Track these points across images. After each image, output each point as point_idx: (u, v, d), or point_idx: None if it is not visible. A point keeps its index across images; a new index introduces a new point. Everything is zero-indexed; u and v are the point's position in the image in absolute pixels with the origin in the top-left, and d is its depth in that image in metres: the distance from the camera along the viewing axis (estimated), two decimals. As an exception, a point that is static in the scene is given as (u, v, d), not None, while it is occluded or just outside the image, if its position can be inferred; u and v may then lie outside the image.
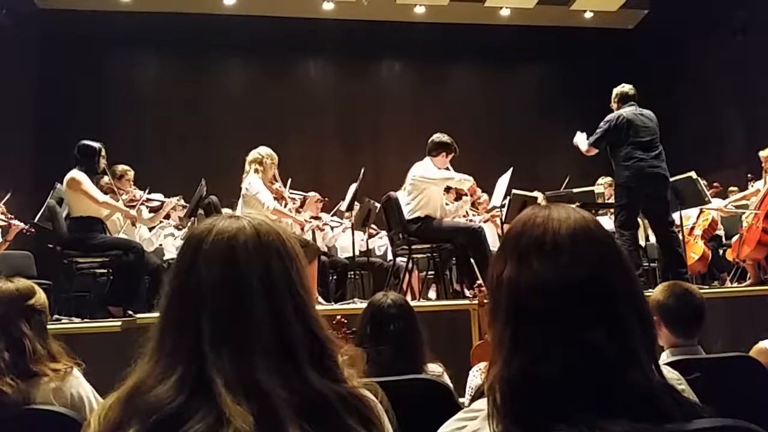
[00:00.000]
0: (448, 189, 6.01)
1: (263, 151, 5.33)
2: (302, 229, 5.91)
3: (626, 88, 5.39)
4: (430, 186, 5.25)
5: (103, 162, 5.01)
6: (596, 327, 0.87)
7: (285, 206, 5.52)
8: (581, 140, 5.46)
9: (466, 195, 5.81)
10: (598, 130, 5.29)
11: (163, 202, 5.78)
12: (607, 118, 5.27)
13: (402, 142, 8.61)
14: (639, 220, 5.51)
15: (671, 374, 1.06)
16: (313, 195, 6.43)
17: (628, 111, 5.22)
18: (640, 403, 0.84)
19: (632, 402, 0.84)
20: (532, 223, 0.97)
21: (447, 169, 5.45)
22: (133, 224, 5.68)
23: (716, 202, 6.75)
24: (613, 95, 5.43)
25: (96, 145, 4.94)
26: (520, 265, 0.94)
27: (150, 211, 5.84)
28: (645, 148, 5.09)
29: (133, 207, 5.53)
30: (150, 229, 6.43)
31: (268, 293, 0.92)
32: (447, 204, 5.86)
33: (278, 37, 9.69)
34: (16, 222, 5.45)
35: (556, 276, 0.90)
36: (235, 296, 0.91)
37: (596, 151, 5.35)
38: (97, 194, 4.85)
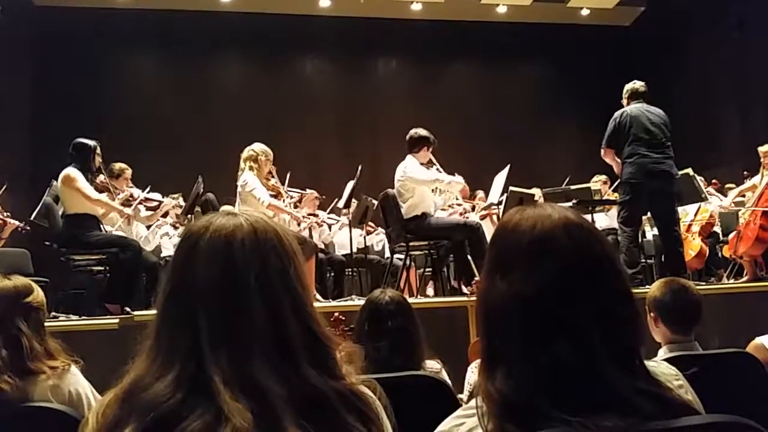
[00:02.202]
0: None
1: (257, 147, 5.30)
2: (299, 224, 5.90)
3: (637, 84, 5.35)
4: (416, 185, 5.23)
5: (98, 160, 4.99)
6: (557, 343, 0.86)
7: (282, 202, 5.52)
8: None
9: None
10: (607, 130, 5.27)
11: (160, 202, 5.77)
12: (614, 115, 5.26)
13: (399, 139, 8.49)
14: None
15: (669, 370, 1.07)
16: (310, 192, 6.43)
17: (634, 108, 5.19)
18: (619, 405, 0.83)
19: (612, 404, 0.83)
20: (502, 235, 0.97)
21: (431, 162, 5.43)
22: (129, 222, 5.66)
23: (714, 200, 6.76)
24: (624, 91, 5.39)
25: (91, 142, 4.91)
26: (489, 280, 0.95)
27: (147, 210, 5.83)
28: (649, 145, 5.06)
29: (129, 206, 5.52)
30: (147, 227, 6.42)
31: (266, 290, 0.92)
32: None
33: (275, 34, 9.68)
34: (12, 220, 5.44)
35: (513, 292, 0.90)
36: (232, 294, 0.91)
37: (613, 151, 5.26)
38: (91, 192, 4.81)
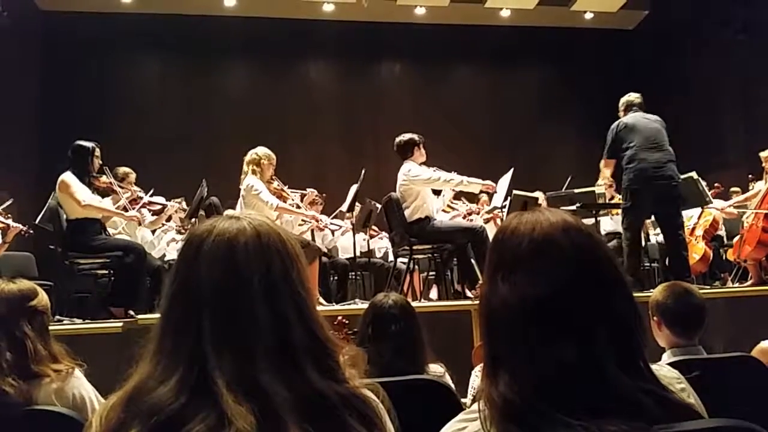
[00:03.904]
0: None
1: (261, 151, 5.33)
2: (316, 220, 5.95)
3: (632, 96, 5.42)
4: (421, 187, 5.22)
5: (97, 162, 4.96)
6: (562, 344, 0.86)
7: (288, 204, 5.53)
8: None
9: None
10: (606, 142, 5.34)
11: (164, 206, 5.78)
12: (611, 127, 5.32)
13: (403, 142, 8.59)
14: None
15: (671, 373, 1.06)
16: (311, 192, 6.42)
17: (629, 117, 5.26)
18: (624, 407, 0.83)
19: (616, 406, 0.83)
20: (501, 239, 0.97)
21: (424, 163, 5.45)
22: (140, 223, 5.61)
23: (717, 203, 6.73)
24: (620, 104, 5.47)
25: (89, 144, 4.88)
26: (490, 284, 0.95)
27: (153, 214, 5.85)
28: (648, 149, 5.08)
29: (134, 208, 5.53)
30: (152, 232, 6.43)
31: (269, 294, 0.92)
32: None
33: (279, 38, 9.71)
34: (14, 223, 5.44)
35: (515, 295, 0.90)
36: (235, 297, 0.91)
37: (614, 161, 5.37)
38: (82, 196, 4.68)
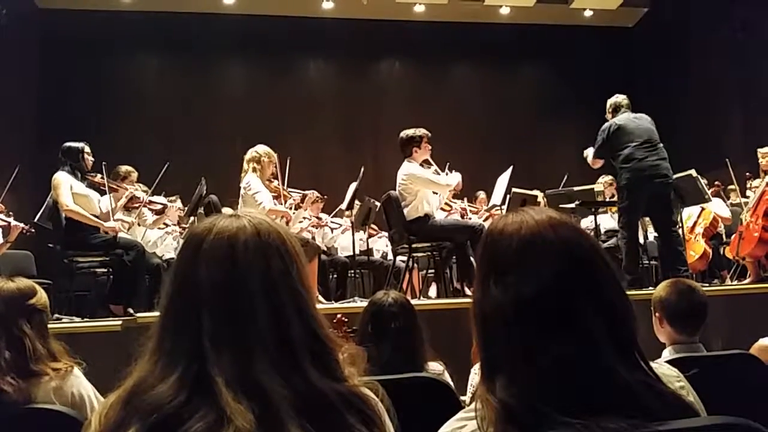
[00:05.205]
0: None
1: (261, 149, 5.31)
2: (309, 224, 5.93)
3: (619, 98, 5.46)
4: (420, 187, 5.22)
5: (89, 159, 4.94)
6: (559, 341, 0.86)
7: (285, 203, 5.51)
8: (589, 153, 5.58)
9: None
10: (596, 142, 5.38)
11: (165, 205, 5.77)
12: (602, 128, 5.35)
13: (402, 140, 8.56)
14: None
15: (670, 371, 1.06)
16: (311, 193, 6.42)
17: (620, 117, 5.30)
18: (624, 402, 0.83)
19: (616, 402, 0.83)
20: (489, 242, 0.97)
21: (428, 163, 5.43)
22: (127, 231, 5.53)
23: (717, 202, 6.74)
24: (607, 106, 5.51)
25: (78, 144, 4.87)
26: (482, 288, 0.94)
27: (155, 214, 5.83)
28: (643, 149, 5.11)
29: (135, 206, 5.51)
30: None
31: (269, 292, 0.92)
32: None
33: (278, 36, 9.69)
34: (16, 222, 5.43)
35: (509, 297, 0.90)
36: (235, 295, 0.91)
37: (602, 162, 5.47)
38: (66, 201, 4.65)
